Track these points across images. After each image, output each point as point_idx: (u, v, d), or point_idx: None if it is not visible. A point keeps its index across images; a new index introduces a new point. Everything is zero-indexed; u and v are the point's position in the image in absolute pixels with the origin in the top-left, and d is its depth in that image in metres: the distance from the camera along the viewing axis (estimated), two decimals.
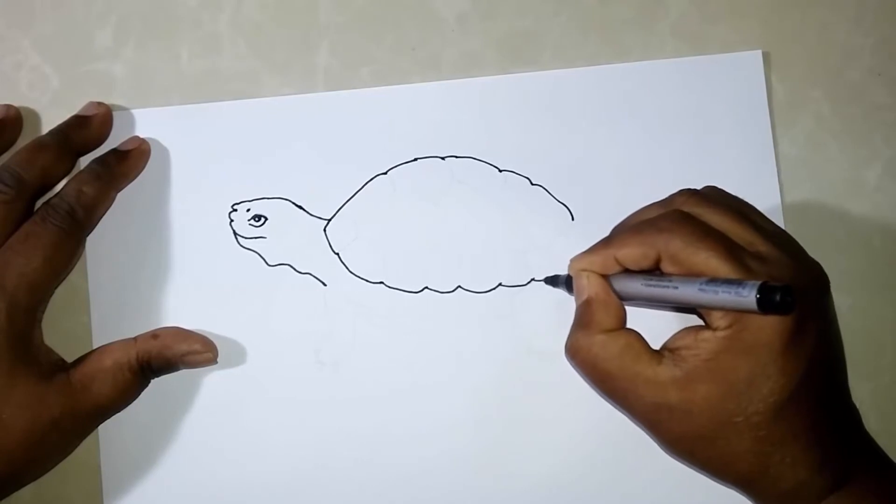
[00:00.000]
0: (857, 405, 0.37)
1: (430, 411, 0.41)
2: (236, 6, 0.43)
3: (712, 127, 0.42)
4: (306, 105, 0.42)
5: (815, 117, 0.43)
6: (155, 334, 0.39)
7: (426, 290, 0.41)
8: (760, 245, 0.35)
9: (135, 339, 0.39)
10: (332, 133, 0.42)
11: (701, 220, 0.35)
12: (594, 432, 0.40)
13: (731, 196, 0.38)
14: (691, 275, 0.34)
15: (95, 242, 0.41)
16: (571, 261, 0.38)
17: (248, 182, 0.42)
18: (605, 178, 0.42)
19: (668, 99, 0.42)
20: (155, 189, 0.42)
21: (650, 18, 0.43)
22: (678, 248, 0.34)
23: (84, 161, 0.41)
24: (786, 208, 0.42)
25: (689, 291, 0.33)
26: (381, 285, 0.41)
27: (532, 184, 0.42)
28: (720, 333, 0.34)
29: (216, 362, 0.40)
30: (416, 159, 0.42)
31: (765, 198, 0.40)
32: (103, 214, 0.41)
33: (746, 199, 0.38)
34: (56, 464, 0.38)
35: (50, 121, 0.42)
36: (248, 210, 0.42)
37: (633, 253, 0.36)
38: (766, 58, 0.42)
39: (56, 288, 0.39)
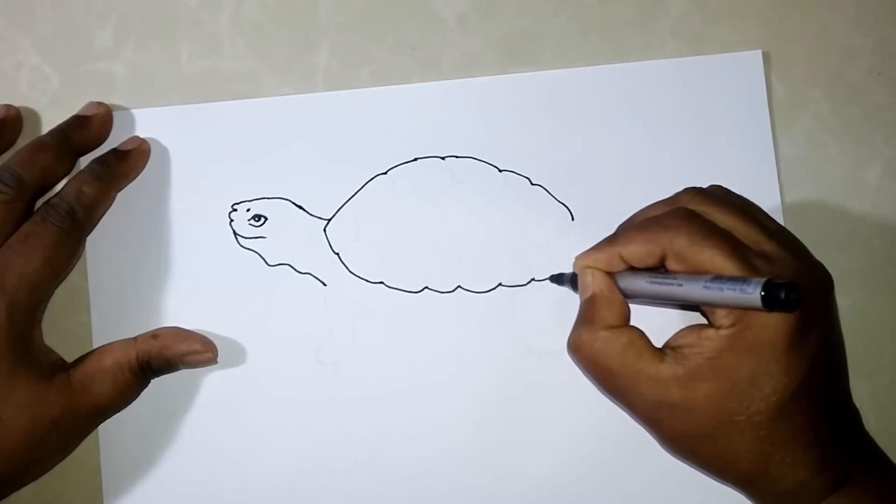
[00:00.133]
0: (857, 405, 0.37)
1: (430, 411, 0.41)
2: (236, 6, 0.43)
3: (712, 127, 0.42)
4: (306, 105, 0.42)
5: (815, 117, 0.43)
6: (155, 334, 0.39)
7: (426, 290, 0.41)
8: (765, 244, 0.35)
9: (135, 339, 0.39)
10: (332, 133, 0.42)
11: (706, 218, 0.35)
12: (594, 432, 0.40)
13: (736, 195, 0.38)
14: (696, 273, 0.34)
15: (95, 242, 0.41)
16: (577, 258, 0.38)
17: (248, 182, 0.42)
18: (605, 178, 0.42)
19: (668, 99, 0.42)
20: (155, 189, 0.42)
21: (650, 18, 0.43)
22: (683, 245, 0.34)
23: (84, 161, 0.41)
24: (786, 208, 0.42)
25: (693, 289, 0.34)
26: (381, 285, 0.41)
27: (532, 184, 0.42)
28: (723, 332, 0.34)
29: (216, 362, 0.40)
30: (416, 159, 0.42)
31: (765, 198, 0.40)
32: (103, 214, 0.41)
33: None
34: (56, 464, 0.38)
35: (50, 121, 0.42)
36: (248, 210, 0.42)
37: (638, 250, 0.36)
38: (766, 58, 0.42)
39: (56, 288, 0.39)
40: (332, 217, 0.42)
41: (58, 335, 0.40)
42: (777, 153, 0.42)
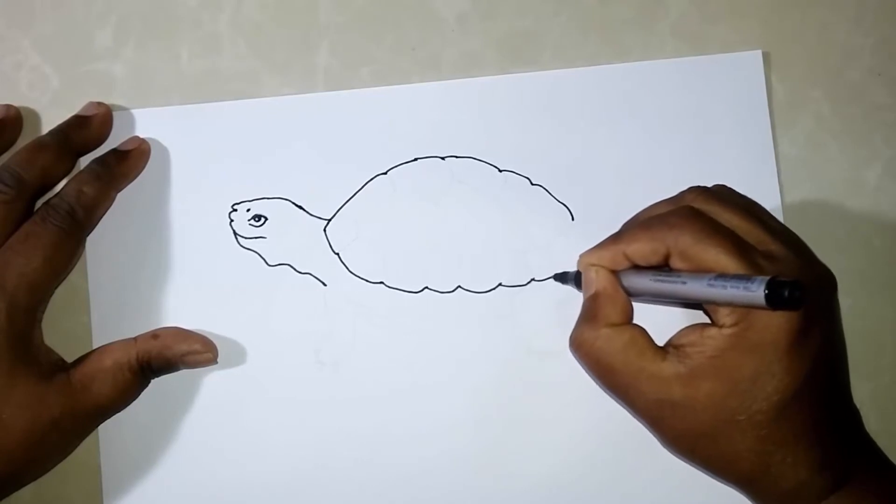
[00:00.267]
0: (858, 405, 0.37)
1: (430, 411, 0.41)
2: (236, 6, 0.43)
3: (712, 127, 0.42)
4: (306, 105, 0.42)
5: (815, 117, 0.43)
6: (155, 334, 0.39)
7: (426, 290, 0.41)
8: (770, 244, 0.35)
9: (135, 339, 0.39)
10: (332, 133, 0.42)
11: (711, 217, 0.35)
12: (594, 432, 0.40)
13: (740, 195, 0.38)
14: (700, 271, 0.34)
15: (95, 242, 0.41)
16: (581, 256, 0.38)
17: (248, 182, 0.42)
18: (605, 178, 0.42)
19: (668, 99, 0.42)
20: (155, 189, 0.42)
21: (650, 18, 0.43)
22: (688, 244, 0.34)
23: (84, 161, 0.41)
24: (786, 208, 0.42)
25: (697, 287, 0.34)
26: (381, 285, 0.41)
27: (532, 184, 0.42)
28: (726, 331, 0.34)
29: (216, 362, 0.40)
30: (416, 159, 0.42)
31: (765, 198, 0.40)
32: (103, 214, 0.41)
33: None
34: (56, 464, 0.38)
35: (50, 121, 0.42)
36: (248, 210, 0.42)
37: (642, 248, 0.36)
38: (766, 58, 0.42)
39: (56, 288, 0.39)
40: (332, 217, 0.42)
41: (58, 335, 0.40)
42: (777, 153, 0.42)
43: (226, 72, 0.43)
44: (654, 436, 0.37)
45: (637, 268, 0.37)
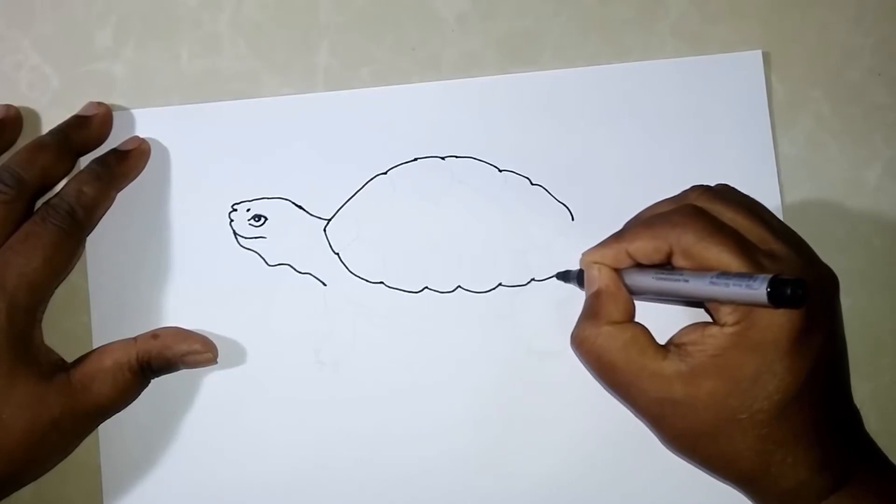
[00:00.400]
0: (858, 405, 0.37)
1: (430, 411, 0.41)
2: (236, 6, 0.43)
3: (712, 127, 0.42)
4: (306, 105, 0.42)
5: (815, 117, 0.43)
6: (155, 334, 0.39)
7: (426, 290, 0.41)
8: (772, 243, 0.35)
9: (135, 339, 0.39)
10: (332, 133, 0.42)
11: (713, 215, 0.35)
12: (594, 432, 0.40)
13: (743, 194, 0.38)
14: (703, 269, 0.34)
15: (95, 242, 0.41)
16: (583, 254, 0.38)
17: (248, 182, 0.42)
18: (605, 178, 0.42)
19: (668, 99, 0.42)
20: (155, 189, 0.42)
21: (650, 18, 0.43)
22: (690, 242, 0.34)
23: (84, 161, 0.41)
24: (786, 208, 0.42)
25: (699, 285, 0.34)
26: (381, 285, 0.41)
27: (532, 184, 0.42)
28: (728, 329, 0.34)
29: (216, 362, 0.40)
30: (416, 159, 0.42)
31: (765, 198, 0.40)
32: (103, 214, 0.41)
33: None
34: (56, 464, 0.38)
35: (50, 121, 0.42)
36: (248, 210, 0.42)
37: (645, 247, 0.36)
38: (766, 58, 0.42)
39: (56, 288, 0.39)
40: (332, 217, 0.42)
41: (58, 335, 0.40)
42: (777, 153, 0.42)
43: (226, 72, 0.43)
44: (655, 434, 0.37)
45: (639, 266, 0.37)
